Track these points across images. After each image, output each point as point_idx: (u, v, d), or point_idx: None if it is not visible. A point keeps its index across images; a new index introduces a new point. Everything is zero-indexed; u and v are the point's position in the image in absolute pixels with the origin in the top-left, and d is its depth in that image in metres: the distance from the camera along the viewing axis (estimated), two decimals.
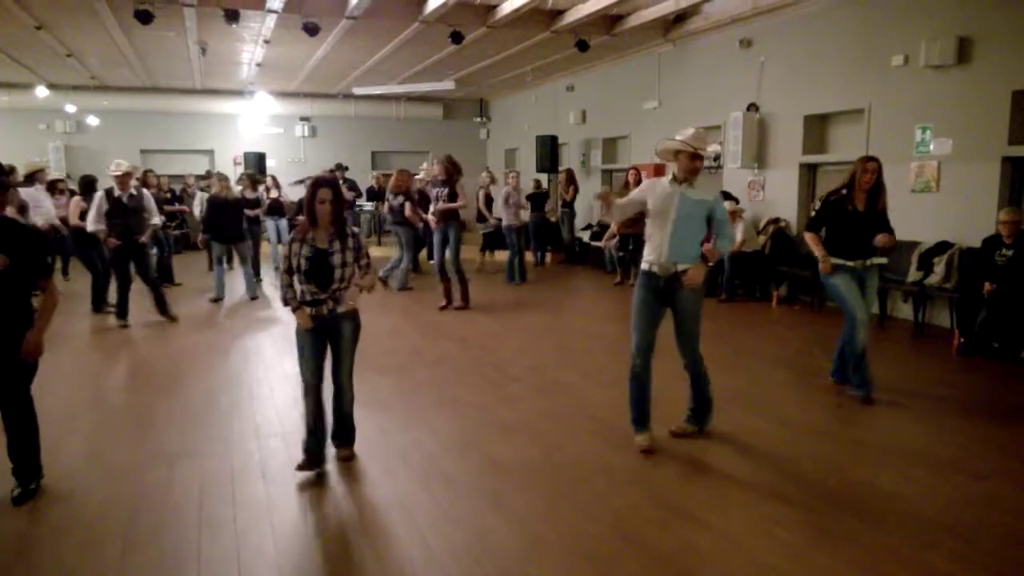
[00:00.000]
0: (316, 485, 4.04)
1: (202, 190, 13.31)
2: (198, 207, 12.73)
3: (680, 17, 11.30)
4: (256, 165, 16.22)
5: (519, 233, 11.68)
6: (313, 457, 4.16)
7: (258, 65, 13.91)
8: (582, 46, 11.48)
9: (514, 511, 3.69)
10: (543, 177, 15.26)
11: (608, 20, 11.27)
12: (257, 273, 11.06)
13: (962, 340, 7.08)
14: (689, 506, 3.73)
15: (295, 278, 4.12)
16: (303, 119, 18.55)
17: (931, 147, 8.13)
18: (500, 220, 11.75)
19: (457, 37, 10.75)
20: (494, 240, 12.93)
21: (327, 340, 4.20)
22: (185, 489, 3.96)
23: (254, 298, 10.07)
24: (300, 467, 4.12)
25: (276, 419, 5.17)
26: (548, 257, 14.19)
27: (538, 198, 13.41)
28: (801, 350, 7.32)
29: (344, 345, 4.20)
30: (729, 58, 10.99)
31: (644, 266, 4.60)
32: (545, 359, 6.85)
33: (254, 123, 17.81)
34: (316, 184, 4.06)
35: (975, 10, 7.62)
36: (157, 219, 8.54)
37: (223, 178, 10.43)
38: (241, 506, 3.76)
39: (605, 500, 3.80)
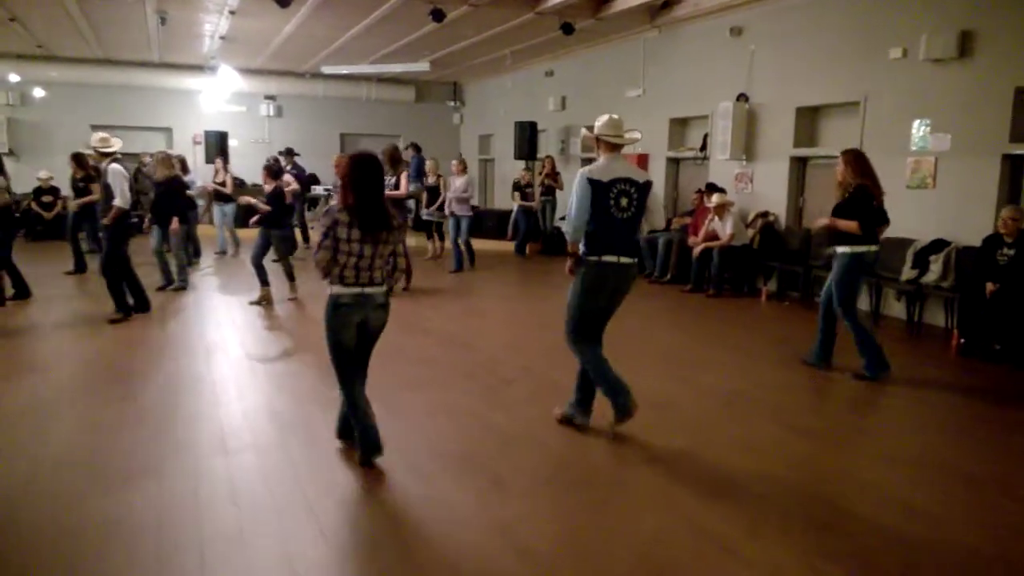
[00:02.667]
0: (297, 513, 3.55)
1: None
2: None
3: (668, 2, 10.98)
4: (218, 144, 15.51)
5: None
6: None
7: (222, 38, 13.17)
8: (567, 29, 11.08)
9: (527, 540, 3.29)
10: (520, 164, 14.86)
11: (594, 3, 10.89)
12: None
13: (962, 340, 6.91)
14: (723, 532, 3.38)
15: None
16: (268, 98, 17.79)
17: (929, 142, 7.94)
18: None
19: (438, 15, 10.27)
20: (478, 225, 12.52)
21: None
22: (141, 519, 3.42)
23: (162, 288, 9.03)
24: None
25: (246, 427, 4.68)
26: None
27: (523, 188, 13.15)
28: (801, 349, 7.06)
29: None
30: (718, 46, 10.68)
31: None
32: (537, 358, 6.47)
33: (215, 100, 16.97)
34: (359, 159, 3.89)
35: (978, 4, 7.40)
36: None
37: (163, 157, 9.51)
38: (209, 540, 3.27)
39: (629, 525, 3.44)
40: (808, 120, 9.67)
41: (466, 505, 3.66)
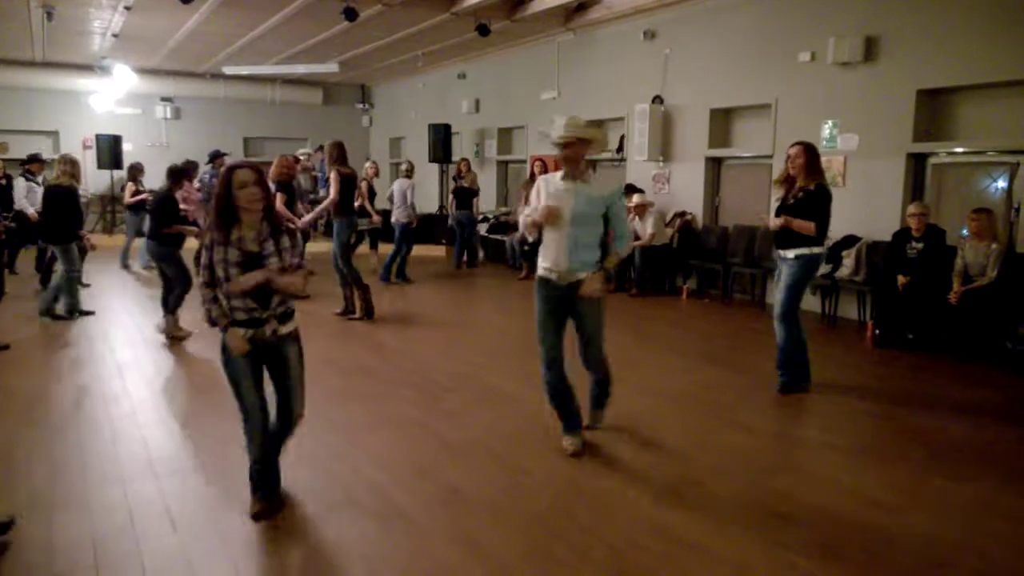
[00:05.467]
0: (244, 532, 3.33)
1: (27, 176, 10.45)
2: (24, 196, 10.08)
3: (582, 5, 11.05)
4: (111, 149, 14.63)
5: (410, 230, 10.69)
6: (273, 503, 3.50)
7: (114, 36, 12.39)
8: (483, 30, 11.01)
9: (493, 554, 3.16)
10: (435, 167, 14.66)
11: (510, 4, 10.84)
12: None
13: (877, 332, 7.21)
14: (689, 532, 3.35)
15: (219, 291, 3.30)
16: (164, 99, 16.87)
17: (838, 142, 8.27)
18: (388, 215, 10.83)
19: (351, 14, 9.98)
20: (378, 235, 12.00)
21: (264, 368, 3.45)
22: (74, 550, 3.13)
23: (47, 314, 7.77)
24: (257, 516, 3.42)
25: (174, 447, 4.35)
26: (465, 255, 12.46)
27: (465, 193, 11.93)
28: (728, 345, 7.22)
29: (294, 373, 3.46)
30: (632, 49, 10.83)
31: (541, 272, 4.18)
32: (474, 364, 6.32)
33: (107, 102, 15.92)
34: (231, 169, 3.29)
35: (882, 10, 7.76)
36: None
37: (64, 161, 7.86)
38: (154, 572, 3.01)
39: (594, 532, 3.35)
40: (722, 121, 9.92)
41: (425, 517, 3.49)
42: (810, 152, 5.32)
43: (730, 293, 9.46)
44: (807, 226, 5.24)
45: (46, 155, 14.34)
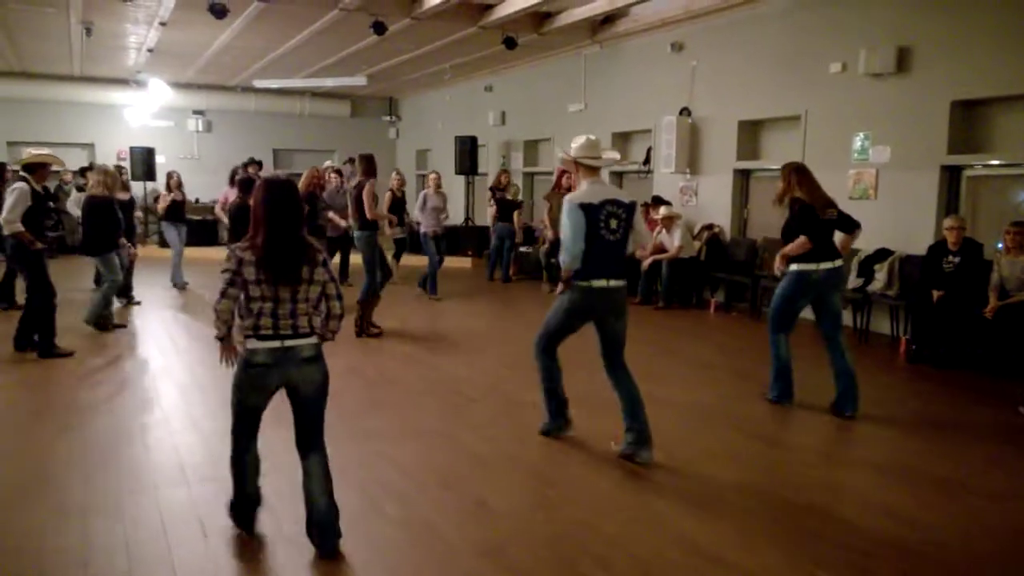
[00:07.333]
0: (275, 540, 3.34)
1: (79, 188, 11.08)
2: (75, 207, 10.25)
3: (609, 18, 11.06)
4: (144, 161, 14.88)
5: (437, 241, 10.62)
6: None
7: (149, 51, 12.66)
8: (510, 43, 11.06)
9: (517, 565, 3.14)
10: (461, 180, 14.70)
11: (537, 18, 10.89)
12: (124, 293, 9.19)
13: (912, 347, 7.07)
14: (717, 547, 3.29)
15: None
16: (197, 112, 17.18)
17: (870, 155, 8.16)
18: (418, 225, 10.91)
19: (380, 28, 10.08)
20: (404, 246, 12.12)
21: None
22: (107, 557, 3.16)
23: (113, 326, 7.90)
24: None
25: (206, 455, 4.39)
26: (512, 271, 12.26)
27: (508, 205, 11.95)
28: (755, 359, 7.10)
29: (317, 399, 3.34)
30: (660, 61, 10.81)
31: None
32: (501, 376, 6.30)
33: (141, 115, 16.26)
34: (271, 185, 3.30)
35: (914, 20, 7.67)
36: None
37: (100, 172, 8.02)
38: (183, 575, 3.04)
39: (619, 544, 3.31)
40: (751, 133, 9.85)
41: (450, 528, 3.48)
42: (788, 173, 5.51)
43: (758, 307, 9.35)
44: (797, 244, 5.28)
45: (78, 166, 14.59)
